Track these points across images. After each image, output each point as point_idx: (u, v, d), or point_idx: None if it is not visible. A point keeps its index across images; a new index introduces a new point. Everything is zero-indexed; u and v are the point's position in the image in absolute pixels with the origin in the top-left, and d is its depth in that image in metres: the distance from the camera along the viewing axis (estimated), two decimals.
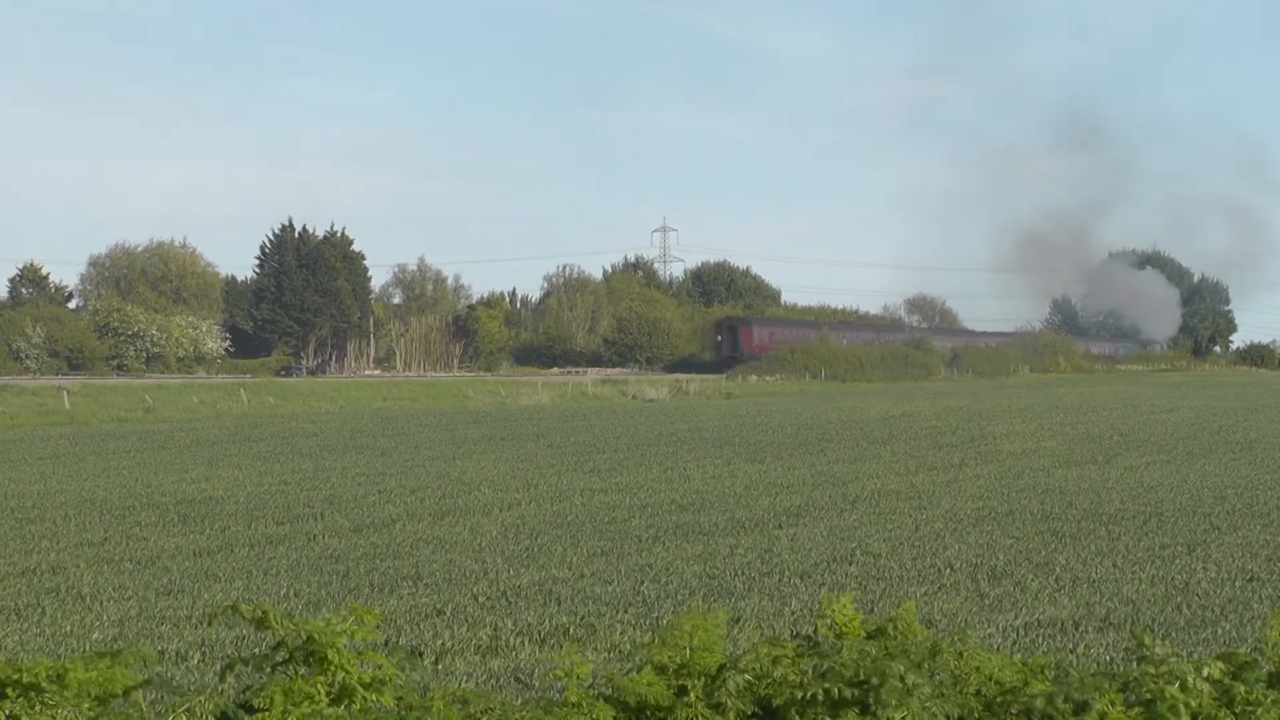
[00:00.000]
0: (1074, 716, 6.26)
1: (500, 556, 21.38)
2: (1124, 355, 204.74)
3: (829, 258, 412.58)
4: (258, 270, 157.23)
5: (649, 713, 6.28)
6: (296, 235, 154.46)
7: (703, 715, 6.24)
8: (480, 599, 17.67)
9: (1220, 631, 15.18)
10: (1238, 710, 6.33)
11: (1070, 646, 14.33)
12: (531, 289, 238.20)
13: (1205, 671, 6.42)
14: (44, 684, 5.86)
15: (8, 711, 5.77)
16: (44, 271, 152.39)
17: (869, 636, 6.90)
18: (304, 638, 6.05)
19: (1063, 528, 24.03)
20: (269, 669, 6.20)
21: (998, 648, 12.82)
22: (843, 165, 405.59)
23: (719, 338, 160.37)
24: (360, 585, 18.90)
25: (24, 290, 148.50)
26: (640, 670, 6.49)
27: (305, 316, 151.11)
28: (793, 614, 16.27)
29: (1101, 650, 14.15)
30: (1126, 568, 19.71)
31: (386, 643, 6.60)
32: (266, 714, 5.86)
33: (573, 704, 6.23)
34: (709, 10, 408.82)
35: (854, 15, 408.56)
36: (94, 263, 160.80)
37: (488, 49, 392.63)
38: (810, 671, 6.33)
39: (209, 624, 6.21)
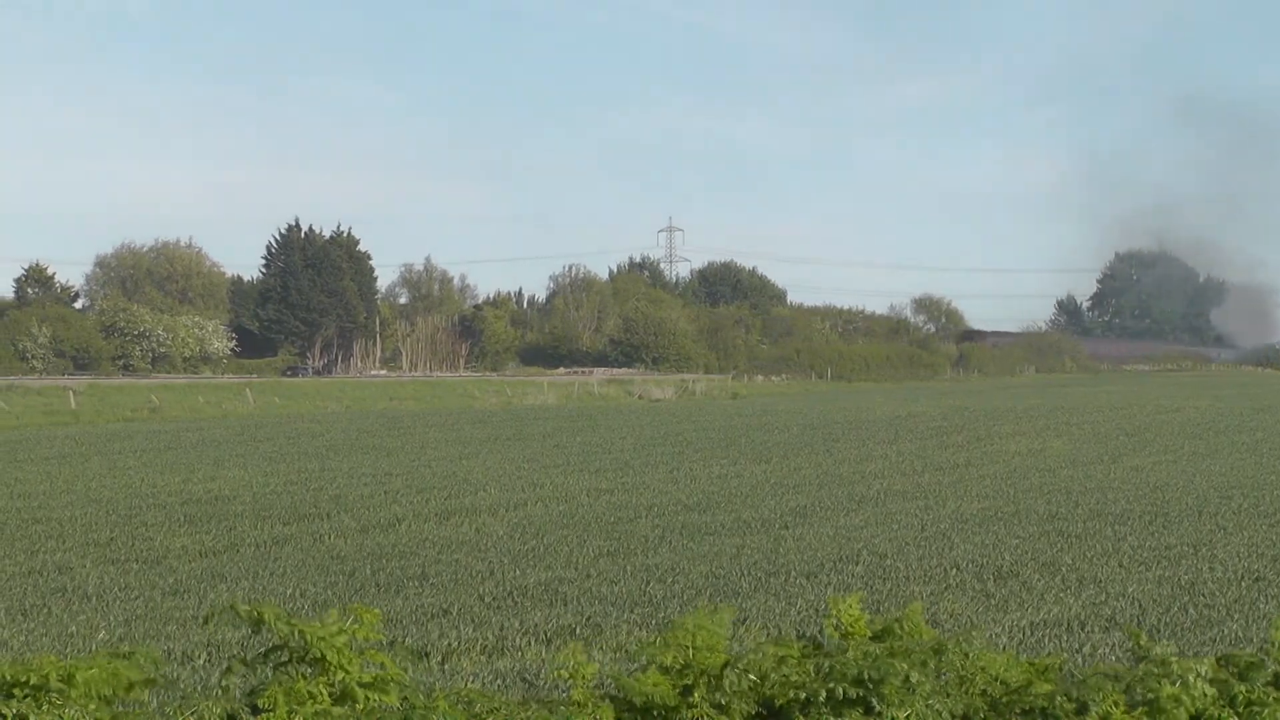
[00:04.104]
0: (1078, 716, 6.27)
1: (506, 556, 21.39)
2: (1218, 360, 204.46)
3: (835, 258, 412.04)
4: (264, 270, 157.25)
5: (654, 712, 6.28)
6: (303, 235, 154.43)
7: (707, 715, 6.24)
8: (486, 599, 17.68)
9: (1226, 631, 15.18)
10: (1241, 710, 6.34)
11: (1076, 646, 14.34)
12: (537, 289, 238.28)
13: (1206, 671, 6.43)
14: (52, 684, 5.88)
15: (15, 711, 5.78)
16: (50, 271, 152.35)
17: (875, 637, 6.91)
18: (303, 639, 6.06)
19: (1068, 528, 24.02)
20: (271, 670, 6.21)
21: (1003, 647, 12.82)
22: (847, 165, 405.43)
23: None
24: (366, 585, 18.92)
25: (30, 290, 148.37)
26: (645, 670, 6.49)
27: (311, 317, 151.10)
28: (798, 614, 16.28)
29: (1107, 650, 14.14)
30: (1132, 568, 19.70)
31: (392, 643, 6.61)
32: (270, 715, 5.88)
33: (578, 704, 6.24)
34: (716, 9, 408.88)
35: (861, 13, 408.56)
36: (100, 262, 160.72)
37: (495, 49, 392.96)
38: (814, 671, 6.34)
39: (205, 624, 6.20)
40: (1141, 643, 6.63)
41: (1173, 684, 6.31)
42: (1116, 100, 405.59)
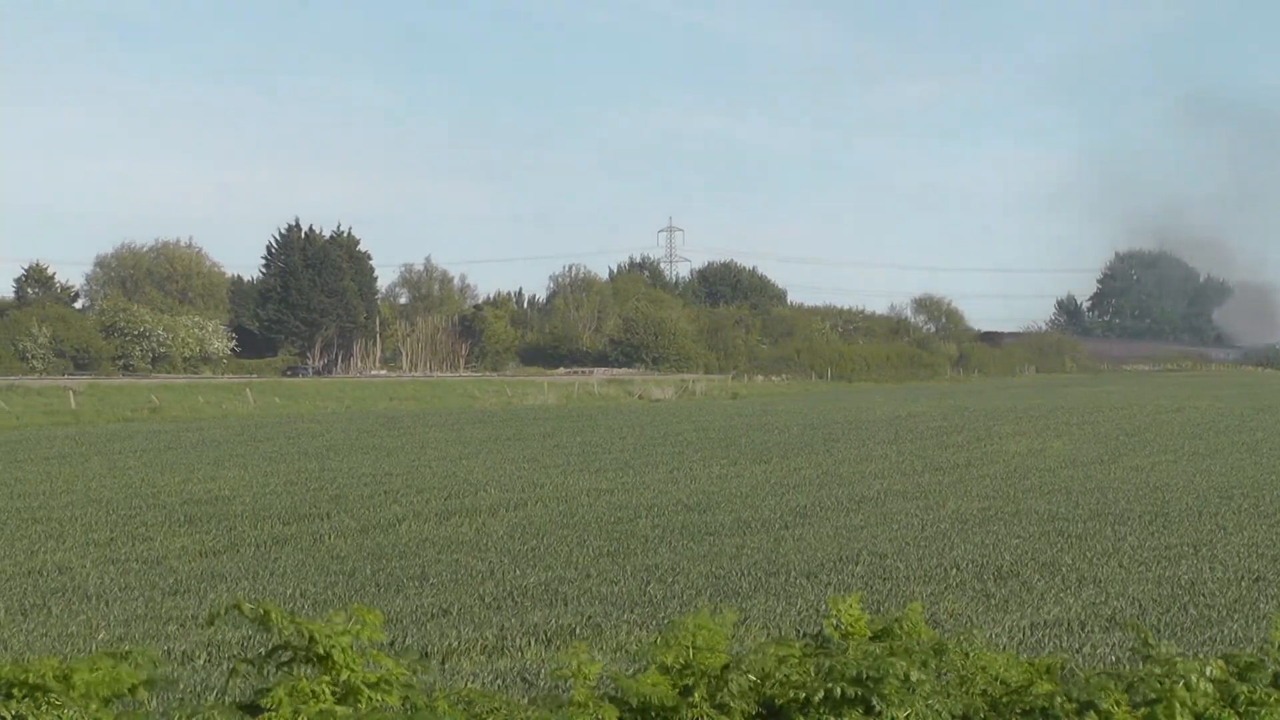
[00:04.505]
0: (1079, 716, 6.26)
1: (506, 556, 21.38)
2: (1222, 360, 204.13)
3: (835, 258, 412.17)
4: (264, 270, 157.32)
5: (654, 713, 6.28)
6: (303, 235, 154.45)
7: (707, 715, 6.24)
8: (486, 599, 17.67)
9: (1226, 631, 15.17)
10: (1241, 710, 6.33)
11: (1076, 646, 14.33)
12: (538, 289, 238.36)
13: (1209, 671, 6.42)
14: (50, 684, 5.87)
15: (14, 712, 5.77)
16: (50, 271, 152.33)
17: (875, 636, 6.90)
18: (307, 638, 6.05)
19: (1069, 528, 24.01)
20: (274, 669, 6.21)
21: (1004, 648, 12.80)
22: (847, 165, 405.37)
23: None
24: (366, 585, 18.91)
25: (30, 290, 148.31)
26: (645, 670, 6.48)
27: (311, 317, 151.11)
28: (799, 614, 16.27)
29: (1107, 650, 14.14)
30: (1132, 568, 19.70)
31: (393, 643, 6.61)
32: (274, 714, 5.87)
33: (578, 704, 6.24)
34: (716, 9, 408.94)
35: (862, 14, 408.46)
36: (100, 262, 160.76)
37: (495, 49, 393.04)
38: (814, 671, 6.33)
39: (210, 624, 6.18)
40: (1149, 640, 6.63)
41: (1176, 684, 6.30)
42: (1119, 99, 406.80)
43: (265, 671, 6.27)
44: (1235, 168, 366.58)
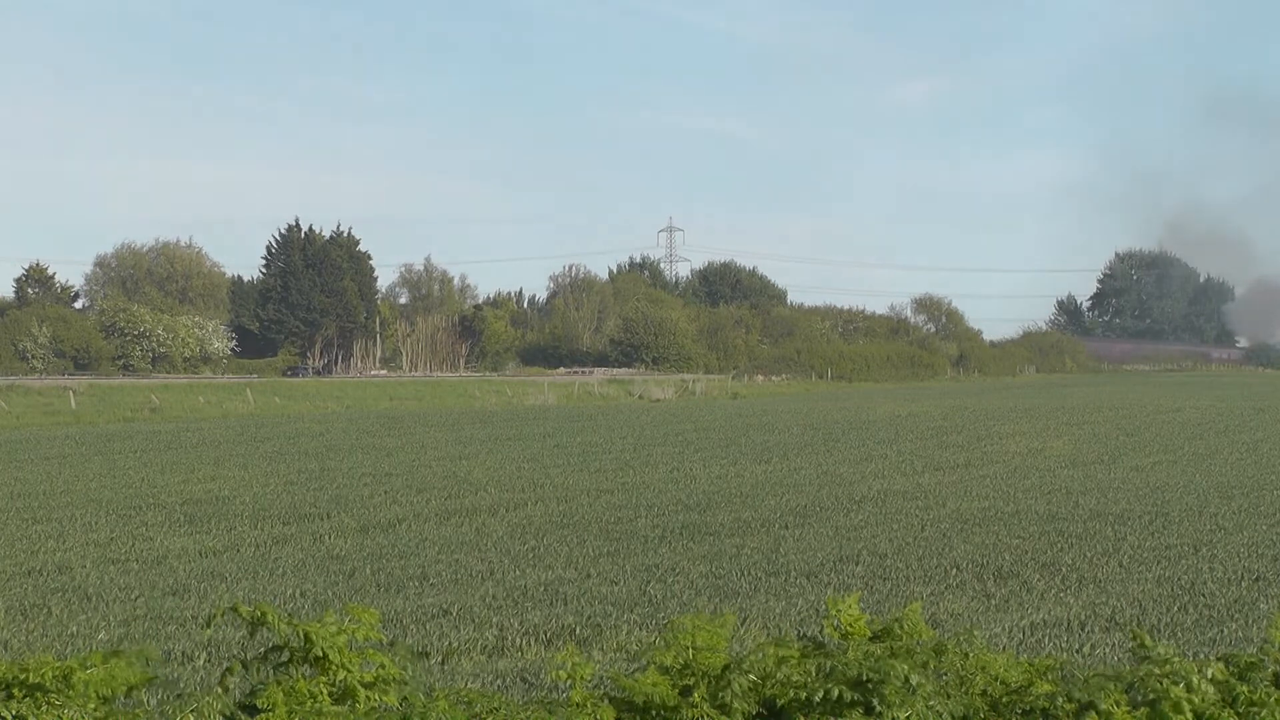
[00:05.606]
0: (1079, 716, 6.26)
1: (506, 557, 21.38)
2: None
3: (835, 258, 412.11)
4: (264, 270, 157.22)
5: (654, 713, 6.27)
6: (303, 235, 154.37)
7: (708, 716, 6.23)
8: (486, 599, 17.67)
9: (1226, 631, 15.17)
10: (1241, 710, 6.33)
11: (1076, 646, 14.33)
12: (538, 289, 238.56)
13: (1209, 672, 6.42)
14: (50, 684, 5.87)
15: (14, 712, 5.77)
16: (50, 271, 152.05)
17: (875, 637, 6.89)
18: (303, 639, 6.04)
19: (1069, 528, 24.01)
20: (270, 670, 6.20)
21: (1003, 648, 12.80)
22: (847, 165, 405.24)
23: None
24: (366, 585, 18.91)
25: (30, 290, 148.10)
26: (645, 670, 6.48)
27: (311, 317, 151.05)
28: (799, 614, 16.27)
29: (1107, 650, 14.14)
30: (1132, 568, 19.70)
31: (392, 643, 6.61)
32: (270, 714, 5.86)
33: (577, 704, 6.23)
34: (716, 9, 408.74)
35: (863, 13, 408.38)
36: (100, 262, 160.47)
37: (495, 48, 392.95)
38: (815, 672, 6.33)
39: (208, 626, 6.18)
40: (1146, 643, 6.62)
41: (1175, 684, 6.30)
42: (1134, 98, 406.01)
43: (260, 671, 6.27)
44: (1257, 164, 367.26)
